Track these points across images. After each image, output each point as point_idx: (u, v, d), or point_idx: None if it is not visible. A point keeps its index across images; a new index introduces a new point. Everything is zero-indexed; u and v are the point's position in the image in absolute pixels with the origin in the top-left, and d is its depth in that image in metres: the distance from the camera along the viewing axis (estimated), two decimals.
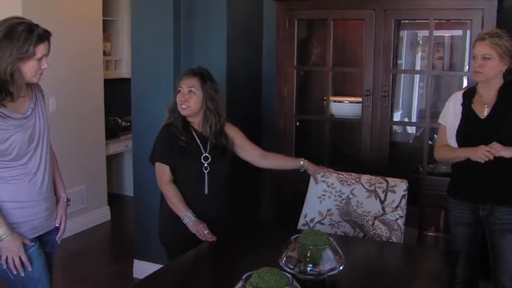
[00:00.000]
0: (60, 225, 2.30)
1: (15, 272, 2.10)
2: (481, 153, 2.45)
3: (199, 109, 2.60)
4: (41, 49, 2.02)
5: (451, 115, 2.69)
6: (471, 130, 2.61)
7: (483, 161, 2.46)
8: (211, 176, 2.60)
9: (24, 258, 2.09)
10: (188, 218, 2.50)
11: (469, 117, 2.62)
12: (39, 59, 2.04)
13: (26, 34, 1.98)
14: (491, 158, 2.44)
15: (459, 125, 2.64)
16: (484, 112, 2.59)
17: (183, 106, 2.58)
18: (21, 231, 2.12)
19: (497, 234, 2.60)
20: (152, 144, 2.68)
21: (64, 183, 2.39)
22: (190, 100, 2.57)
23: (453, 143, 2.67)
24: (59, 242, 2.34)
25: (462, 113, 2.65)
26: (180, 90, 2.60)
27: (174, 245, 2.61)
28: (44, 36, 2.04)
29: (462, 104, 2.66)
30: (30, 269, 2.12)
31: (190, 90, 2.57)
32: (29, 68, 2.03)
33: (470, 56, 2.75)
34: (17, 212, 2.11)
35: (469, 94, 2.66)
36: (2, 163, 2.06)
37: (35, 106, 2.17)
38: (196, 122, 2.64)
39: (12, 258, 2.07)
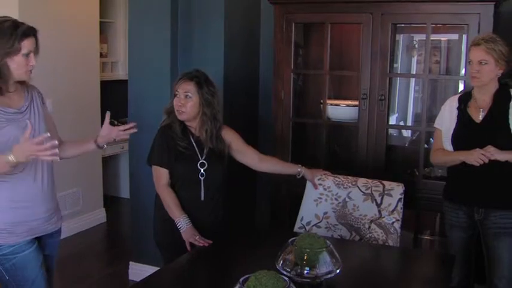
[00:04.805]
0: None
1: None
2: (476, 156, 2.46)
3: (196, 114, 2.59)
4: (26, 44, 2.05)
5: (446, 119, 2.70)
6: (466, 134, 2.62)
7: (478, 164, 2.47)
8: (207, 182, 2.60)
9: None
10: (181, 223, 2.49)
11: (465, 121, 2.63)
12: (27, 55, 2.07)
13: (12, 30, 2.03)
14: (486, 161, 2.45)
15: (455, 129, 2.65)
16: (479, 116, 2.60)
17: (180, 111, 2.57)
18: (18, 232, 2.11)
19: (492, 238, 2.61)
20: (148, 146, 2.68)
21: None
22: (186, 105, 2.56)
23: (449, 146, 2.68)
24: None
25: (458, 117, 2.66)
26: (176, 95, 2.59)
27: (168, 245, 2.61)
28: (30, 32, 2.07)
29: (458, 108, 2.67)
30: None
31: (187, 95, 2.56)
32: (16, 64, 2.05)
33: (466, 61, 2.76)
34: (14, 212, 2.10)
35: (465, 98, 2.68)
36: None
37: (30, 105, 2.19)
38: (194, 126, 2.63)
39: None
